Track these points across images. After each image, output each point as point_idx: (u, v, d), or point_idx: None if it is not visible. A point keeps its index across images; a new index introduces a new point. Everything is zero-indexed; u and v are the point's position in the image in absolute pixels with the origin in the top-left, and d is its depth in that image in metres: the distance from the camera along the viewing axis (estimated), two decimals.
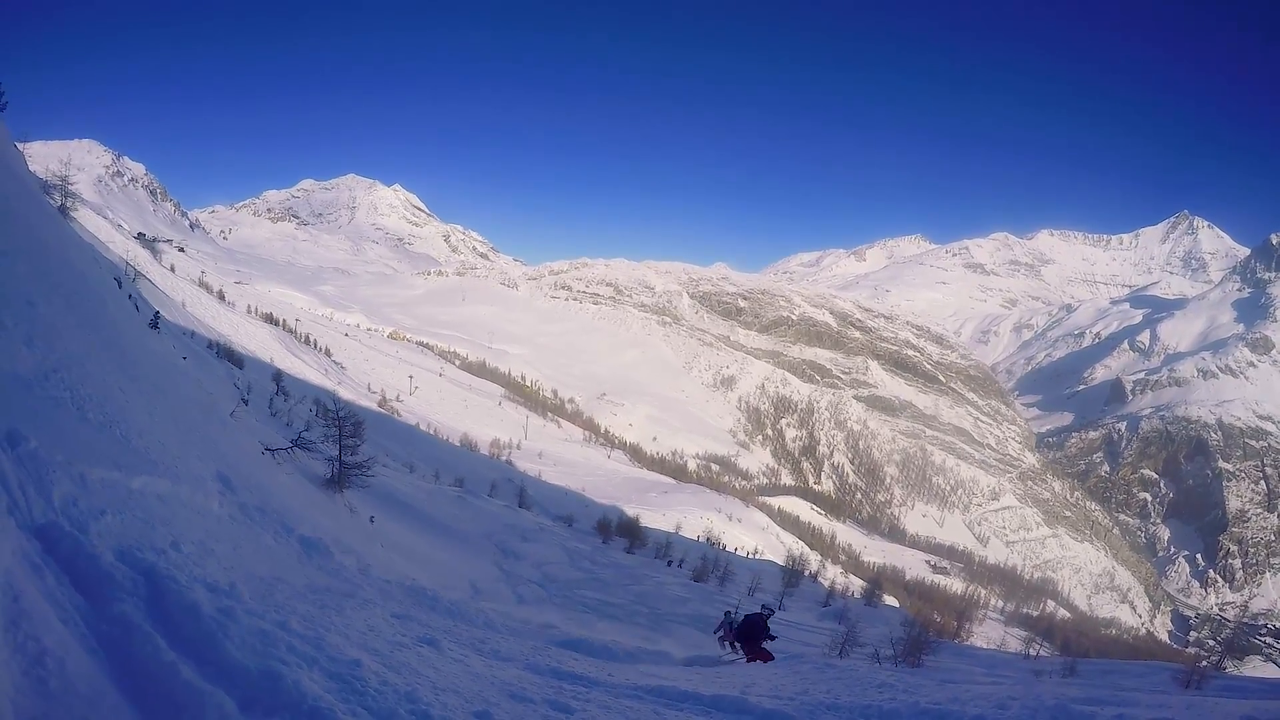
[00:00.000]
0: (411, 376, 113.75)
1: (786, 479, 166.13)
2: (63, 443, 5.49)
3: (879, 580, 69.65)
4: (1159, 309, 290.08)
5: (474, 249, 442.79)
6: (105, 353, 8.85)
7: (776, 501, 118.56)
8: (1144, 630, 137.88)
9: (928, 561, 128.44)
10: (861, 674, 8.39)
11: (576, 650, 10.10)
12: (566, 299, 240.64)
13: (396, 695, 4.14)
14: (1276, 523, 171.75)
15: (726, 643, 15.11)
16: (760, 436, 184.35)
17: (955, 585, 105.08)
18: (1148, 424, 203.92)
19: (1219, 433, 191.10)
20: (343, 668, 4.26)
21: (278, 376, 51.04)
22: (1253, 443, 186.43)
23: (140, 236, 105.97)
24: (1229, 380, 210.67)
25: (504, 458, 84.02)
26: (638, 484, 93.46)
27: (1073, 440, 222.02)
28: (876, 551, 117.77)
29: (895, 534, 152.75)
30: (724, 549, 55.31)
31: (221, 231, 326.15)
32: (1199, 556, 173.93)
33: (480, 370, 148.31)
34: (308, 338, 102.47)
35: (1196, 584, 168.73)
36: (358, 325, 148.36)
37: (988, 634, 63.46)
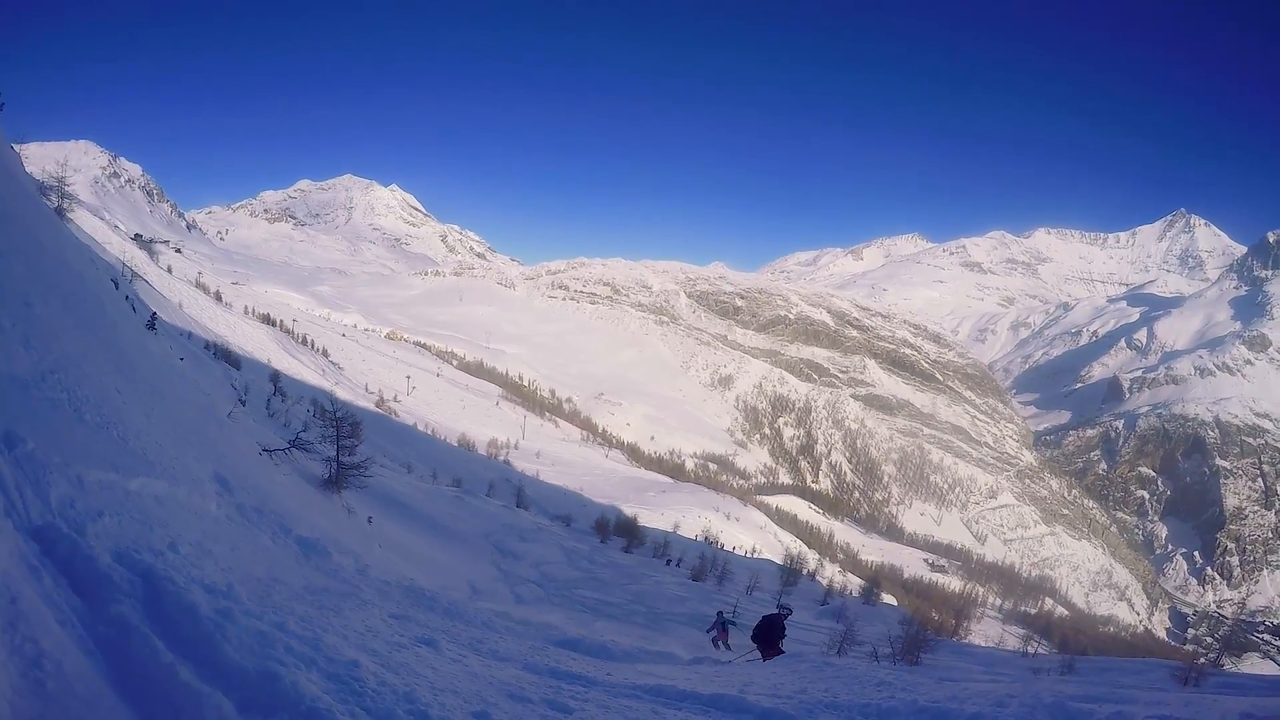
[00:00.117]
0: (409, 377, 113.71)
1: (784, 478, 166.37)
2: (60, 444, 5.48)
3: (877, 579, 69.87)
4: (1156, 307, 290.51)
5: (471, 249, 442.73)
6: (102, 354, 8.84)
7: (774, 500, 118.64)
8: (1142, 628, 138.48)
9: (925, 560, 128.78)
10: (860, 672, 8.39)
11: (575, 650, 10.11)
12: (564, 299, 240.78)
13: (395, 695, 4.14)
14: (1274, 520, 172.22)
15: (720, 643, 15.22)
16: (758, 435, 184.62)
17: (953, 583, 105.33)
18: (1145, 422, 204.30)
19: (1216, 430, 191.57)
20: (341, 668, 4.26)
21: (275, 377, 51.09)
22: (1250, 440, 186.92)
23: (137, 237, 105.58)
24: (1226, 378, 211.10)
25: (501, 457, 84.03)
26: (635, 483, 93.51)
27: (1070, 438, 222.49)
28: (874, 550, 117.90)
29: (893, 532, 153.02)
30: (722, 548, 55.47)
31: (218, 232, 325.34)
32: (1196, 554, 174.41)
33: (478, 370, 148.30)
34: (305, 338, 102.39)
35: (1194, 581, 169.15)
36: (355, 325, 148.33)
37: (986, 632, 63.70)
